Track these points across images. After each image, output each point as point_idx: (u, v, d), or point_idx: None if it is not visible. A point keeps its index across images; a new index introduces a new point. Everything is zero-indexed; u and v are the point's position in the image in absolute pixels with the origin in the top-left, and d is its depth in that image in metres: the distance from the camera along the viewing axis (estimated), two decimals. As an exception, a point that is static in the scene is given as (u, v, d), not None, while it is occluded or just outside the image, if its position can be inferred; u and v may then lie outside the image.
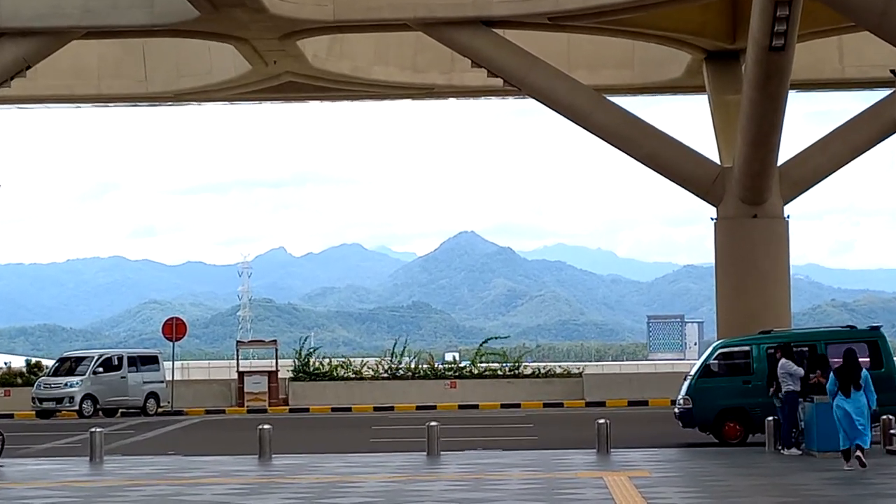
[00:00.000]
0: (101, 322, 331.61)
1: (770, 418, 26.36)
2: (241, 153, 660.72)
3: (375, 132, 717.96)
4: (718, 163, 42.42)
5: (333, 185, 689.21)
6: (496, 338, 56.69)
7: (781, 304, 40.93)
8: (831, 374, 23.51)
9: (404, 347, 51.85)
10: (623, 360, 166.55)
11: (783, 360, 26.25)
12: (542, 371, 50.48)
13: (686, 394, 29.29)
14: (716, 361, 29.58)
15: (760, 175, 40.10)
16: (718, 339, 34.61)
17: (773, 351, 27.12)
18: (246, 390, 48.31)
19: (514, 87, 42.49)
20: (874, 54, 44.76)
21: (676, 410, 29.58)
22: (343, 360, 52.00)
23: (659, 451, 27.27)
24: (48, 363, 53.87)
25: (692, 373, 29.73)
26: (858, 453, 22.31)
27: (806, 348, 27.76)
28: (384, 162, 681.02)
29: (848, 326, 30.84)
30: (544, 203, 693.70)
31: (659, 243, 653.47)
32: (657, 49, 45.88)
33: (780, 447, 25.92)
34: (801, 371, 26.07)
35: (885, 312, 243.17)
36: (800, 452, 25.44)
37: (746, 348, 29.41)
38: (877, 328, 29.44)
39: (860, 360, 23.87)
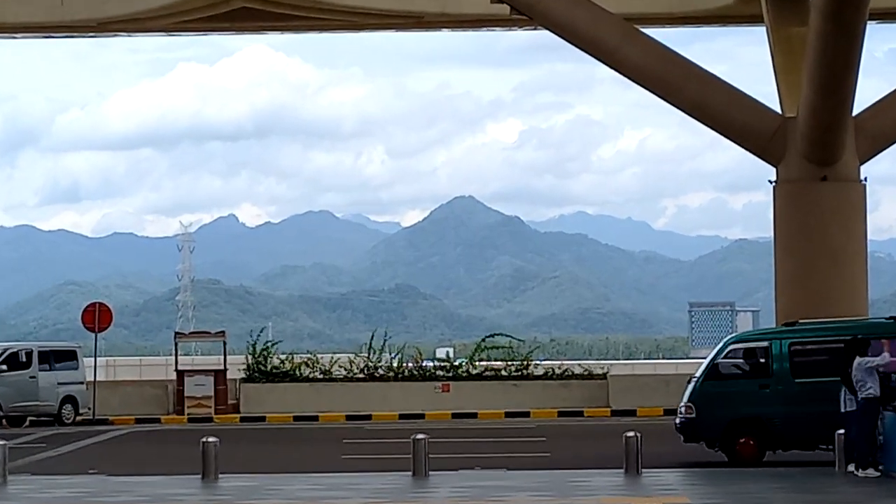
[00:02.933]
0: (6, 308, 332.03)
1: (840, 431, 26.36)
2: (194, 97, 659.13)
3: (353, 72, 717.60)
4: (779, 112, 42.41)
5: (300, 138, 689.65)
6: (500, 335, 55.74)
7: (856, 288, 40.99)
8: None
9: (385, 341, 51.89)
10: (658, 359, 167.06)
11: (858, 359, 26.21)
12: (557, 371, 50.52)
13: (688, 400, 29.25)
14: (726, 360, 29.51)
15: (831, 127, 40.10)
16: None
17: (843, 346, 27.05)
18: (186, 394, 48.38)
19: (524, 15, 42.38)
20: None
21: (677, 421, 29.53)
22: (308, 356, 52.02)
23: (701, 471, 27.32)
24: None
25: (697, 374, 29.67)
26: None
27: (841, 345, 27.47)
28: (362, 110, 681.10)
29: (892, 318, 30.40)
30: (562, 161, 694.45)
31: (706, 213, 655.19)
32: (703, -32, 45.84)
33: (853, 467, 25.95)
34: (885, 357, 25.89)
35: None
36: (878, 474, 25.49)
37: (764, 344, 29.36)
38: None
39: None
